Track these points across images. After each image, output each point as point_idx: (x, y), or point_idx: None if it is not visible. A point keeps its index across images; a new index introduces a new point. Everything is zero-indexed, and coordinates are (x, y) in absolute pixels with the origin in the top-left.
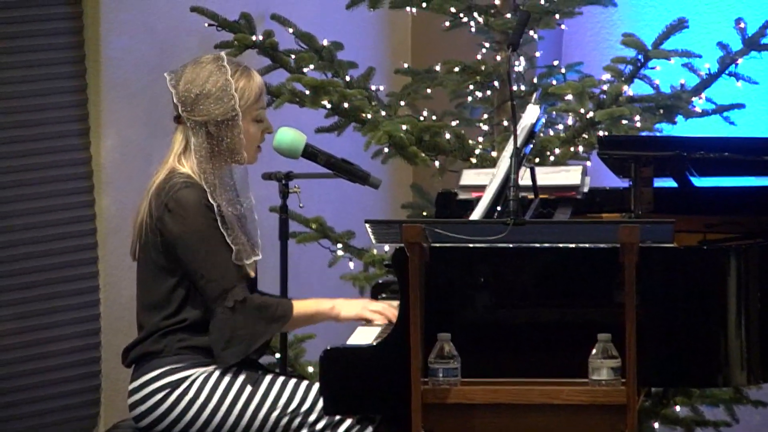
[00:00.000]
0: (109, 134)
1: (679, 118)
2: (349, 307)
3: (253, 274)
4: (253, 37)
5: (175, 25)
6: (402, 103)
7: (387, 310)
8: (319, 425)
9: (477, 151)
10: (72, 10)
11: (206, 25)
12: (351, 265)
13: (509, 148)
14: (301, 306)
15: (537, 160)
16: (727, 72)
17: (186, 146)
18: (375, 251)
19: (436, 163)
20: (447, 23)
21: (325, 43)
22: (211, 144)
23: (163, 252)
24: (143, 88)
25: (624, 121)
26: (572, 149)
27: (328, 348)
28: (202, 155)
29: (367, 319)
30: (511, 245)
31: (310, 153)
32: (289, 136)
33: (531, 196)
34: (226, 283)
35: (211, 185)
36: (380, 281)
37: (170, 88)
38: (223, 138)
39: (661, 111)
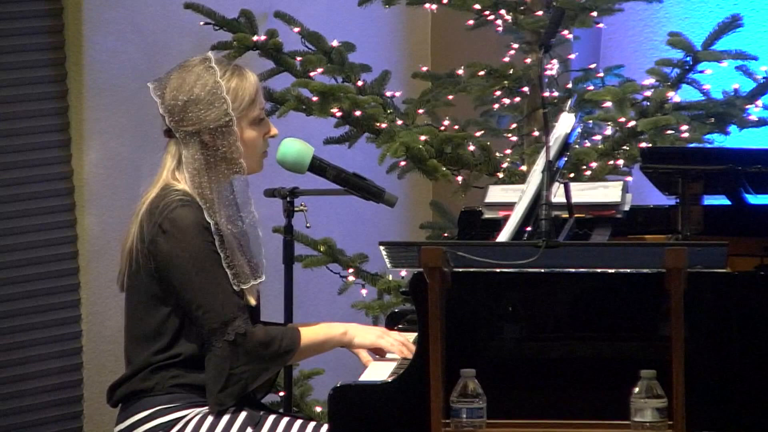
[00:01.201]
0: (92, 146)
1: (733, 128)
2: (363, 333)
3: (254, 302)
4: (255, 38)
5: (166, 24)
6: (421, 111)
7: (407, 343)
8: None
9: (504, 165)
10: (51, 6)
11: (202, 23)
12: (363, 292)
13: (540, 161)
14: (309, 334)
15: (572, 174)
16: None
17: (180, 160)
18: (390, 277)
19: (459, 178)
20: (471, 22)
21: (334, 43)
22: (206, 155)
23: (157, 278)
24: (131, 94)
25: (670, 131)
26: (611, 163)
27: (338, 385)
28: (197, 168)
29: (382, 349)
30: (542, 270)
31: (317, 167)
32: (294, 148)
33: (565, 215)
34: (226, 314)
35: (208, 201)
36: (396, 310)
37: (155, 98)
38: (219, 147)
39: (712, 119)
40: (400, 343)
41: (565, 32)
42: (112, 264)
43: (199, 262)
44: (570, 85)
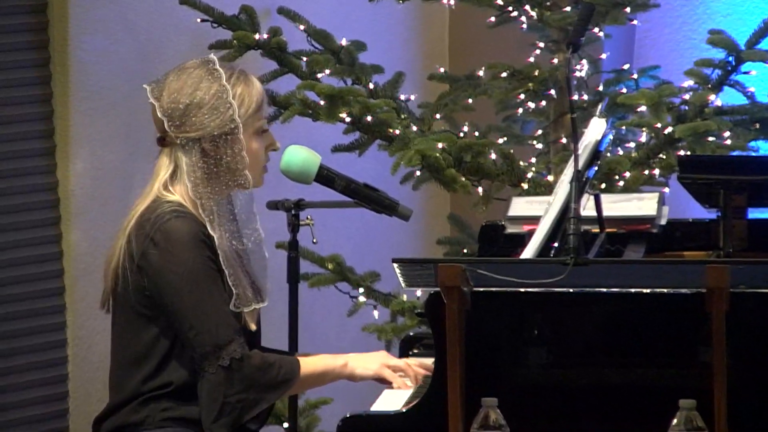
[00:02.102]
0: (79, 154)
1: None
2: (365, 363)
3: (254, 327)
4: (257, 36)
5: (160, 21)
6: (437, 116)
7: (409, 368)
8: None
9: (529, 175)
10: (34, 1)
11: (199, 20)
12: (375, 313)
13: (569, 171)
14: (308, 365)
15: (603, 185)
16: None
17: (175, 171)
18: (405, 297)
19: (479, 190)
20: (492, 18)
21: (343, 42)
22: (208, 164)
23: (147, 296)
24: (122, 98)
25: (710, 138)
26: (646, 172)
27: (348, 415)
28: (199, 177)
29: (386, 380)
30: (571, 290)
31: (325, 177)
32: (299, 156)
33: (596, 229)
34: (221, 337)
35: (210, 213)
36: (411, 333)
37: (152, 101)
38: (222, 156)
39: (757, 125)
40: (405, 366)
41: (596, 30)
42: (100, 283)
43: (193, 279)
44: (601, 88)
